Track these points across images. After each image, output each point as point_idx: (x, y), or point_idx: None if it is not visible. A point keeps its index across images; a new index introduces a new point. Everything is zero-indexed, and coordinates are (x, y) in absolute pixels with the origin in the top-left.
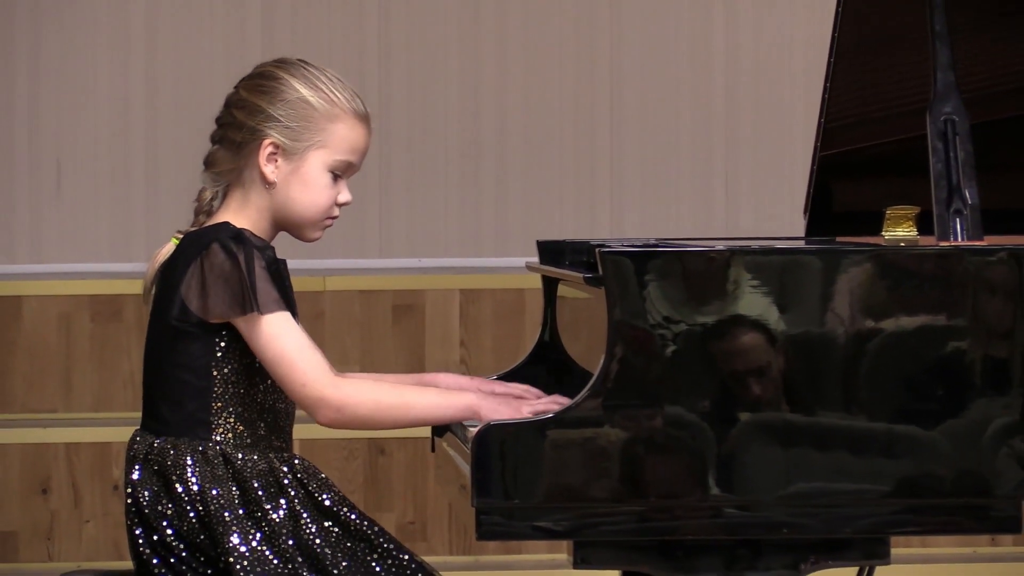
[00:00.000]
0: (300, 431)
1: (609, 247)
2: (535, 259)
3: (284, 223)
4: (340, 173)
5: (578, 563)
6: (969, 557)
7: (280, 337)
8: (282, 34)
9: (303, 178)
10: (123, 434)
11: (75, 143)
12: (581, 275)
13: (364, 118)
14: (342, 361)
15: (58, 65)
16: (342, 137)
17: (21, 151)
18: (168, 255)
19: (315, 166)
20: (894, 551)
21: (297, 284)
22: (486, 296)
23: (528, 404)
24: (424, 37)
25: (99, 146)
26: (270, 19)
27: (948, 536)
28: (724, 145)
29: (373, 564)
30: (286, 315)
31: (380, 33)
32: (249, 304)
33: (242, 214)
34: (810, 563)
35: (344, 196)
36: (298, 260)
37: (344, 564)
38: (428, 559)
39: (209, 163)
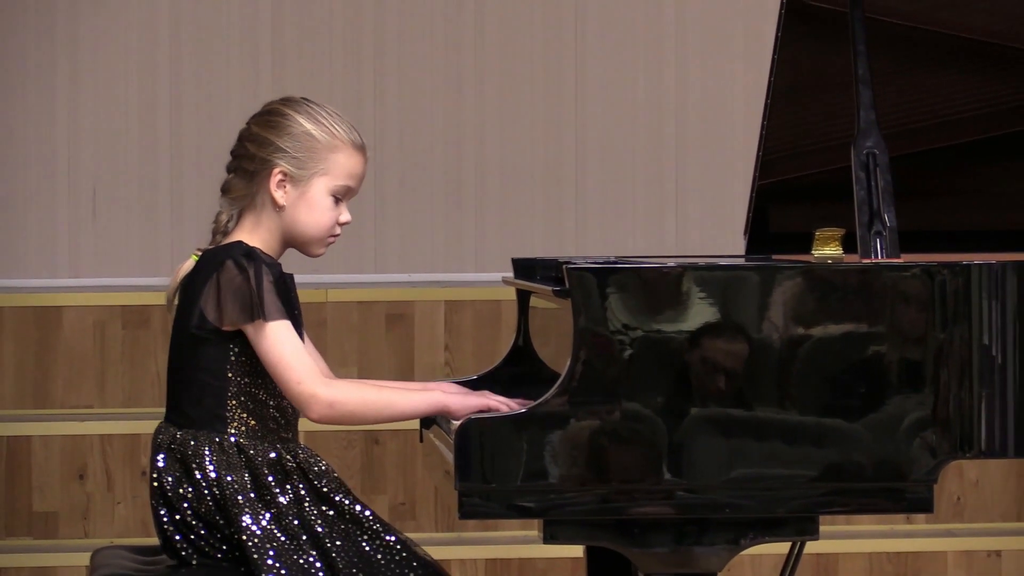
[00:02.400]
0: (305, 423)
1: (574, 264)
2: (510, 274)
3: (292, 241)
4: (341, 197)
5: (547, 539)
6: (887, 533)
7: (280, 342)
8: (290, 78)
9: (309, 202)
10: (150, 427)
11: (109, 173)
12: (551, 288)
13: (361, 148)
14: (341, 363)
15: (93, 105)
16: (342, 165)
17: (62, 180)
18: (189, 270)
19: (319, 191)
20: (822, 528)
21: (303, 296)
22: (467, 307)
23: (490, 400)
24: (413, 81)
25: (130, 176)
26: (280, 66)
27: (869, 515)
28: (674, 175)
29: (363, 544)
30: (287, 323)
31: (375, 77)
32: (257, 312)
33: (255, 234)
34: (749, 539)
35: (344, 216)
36: (304, 275)
37: (339, 543)
38: (416, 536)
39: (226, 190)
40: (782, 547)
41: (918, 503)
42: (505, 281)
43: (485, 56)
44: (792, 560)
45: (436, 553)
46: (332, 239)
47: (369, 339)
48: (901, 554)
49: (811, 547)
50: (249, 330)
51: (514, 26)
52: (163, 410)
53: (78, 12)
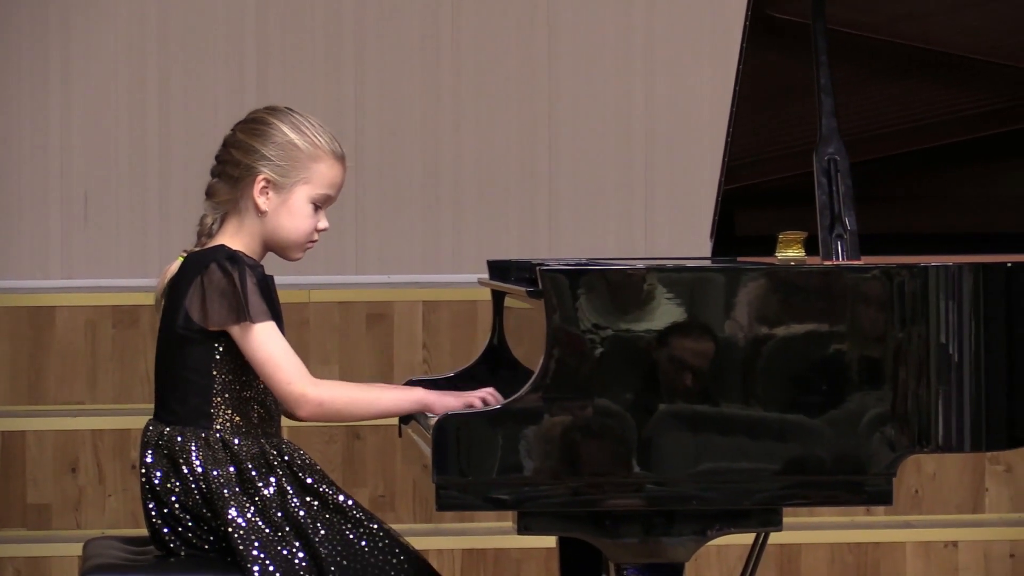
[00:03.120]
0: (288, 419)
1: (547, 266)
2: (486, 276)
3: (272, 245)
4: (320, 204)
5: (522, 530)
6: (848, 525)
7: (268, 343)
8: (274, 87)
9: (290, 208)
10: (140, 422)
11: (100, 178)
12: (524, 289)
13: (341, 158)
14: (324, 361)
15: (84, 113)
16: (323, 174)
17: (54, 186)
18: (175, 272)
19: (300, 198)
20: (785, 520)
21: (285, 296)
22: (444, 307)
23: (473, 398)
24: (392, 90)
25: (120, 181)
26: (264, 76)
27: (830, 507)
28: (643, 180)
29: (347, 533)
30: (273, 324)
31: (356, 86)
32: (243, 314)
33: (237, 238)
34: (715, 530)
35: (323, 223)
36: (287, 276)
37: (323, 533)
38: (396, 526)
39: (210, 194)
40: (747, 538)
41: (878, 495)
42: (481, 282)
43: (461, 65)
44: (756, 551)
45: (415, 543)
46: (310, 245)
47: (350, 338)
48: (861, 544)
49: (775, 538)
50: (235, 331)
51: (489, 36)
52: (152, 406)
53: (69, 24)
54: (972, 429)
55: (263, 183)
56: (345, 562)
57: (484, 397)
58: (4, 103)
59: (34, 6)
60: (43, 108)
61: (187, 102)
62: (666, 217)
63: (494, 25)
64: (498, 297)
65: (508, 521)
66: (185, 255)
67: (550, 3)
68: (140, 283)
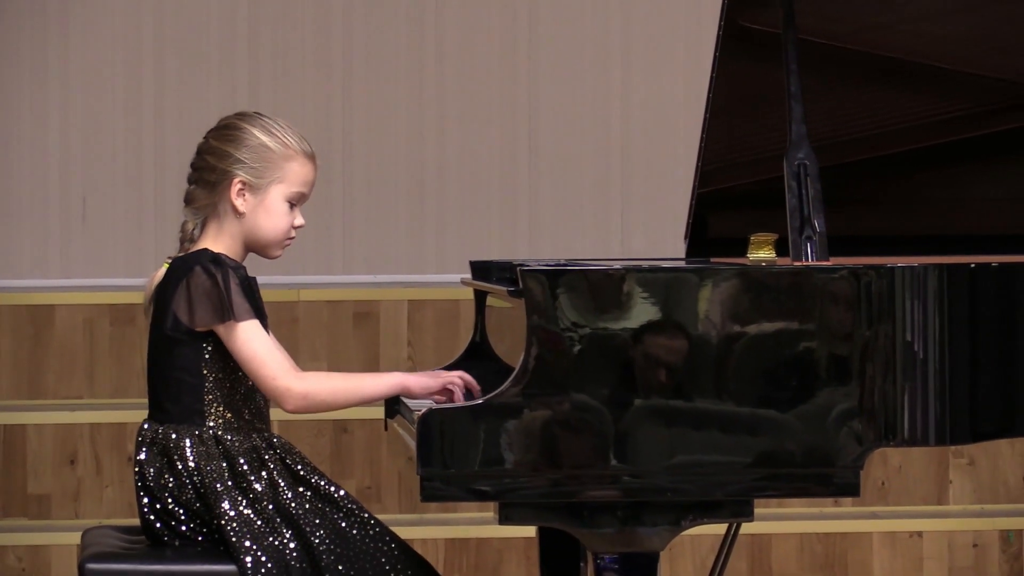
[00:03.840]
0: (278, 413)
1: (527, 266)
2: (468, 276)
3: (252, 245)
4: (295, 202)
5: (503, 520)
6: (817, 516)
7: (252, 340)
8: (265, 95)
9: (267, 208)
10: (137, 416)
11: (98, 183)
12: (506, 289)
13: (311, 157)
14: (313, 358)
15: (82, 121)
16: (296, 173)
17: (54, 189)
18: (161, 277)
19: (276, 198)
20: (756, 511)
21: (276, 295)
22: (429, 305)
23: (446, 380)
24: (379, 98)
25: (117, 185)
26: (255, 83)
27: (800, 499)
28: (620, 184)
29: (339, 521)
30: (256, 323)
31: (344, 92)
32: (227, 313)
33: (218, 240)
34: (689, 520)
35: (299, 220)
36: (278, 276)
37: (316, 522)
38: (381, 517)
39: (189, 200)
40: (719, 528)
41: (845, 487)
42: (463, 282)
43: (445, 74)
44: (728, 540)
45: (400, 533)
46: (288, 242)
47: (338, 335)
48: (830, 535)
49: (746, 528)
50: (220, 330)
51: (472, 46)
52: (147, 400)
53: (68, 34)
54: (937, 424)
55: (239, 186)
56: (338, 549)
57: (460, 375)
58: (5, 111)
59: (34, 15)
60: (43, 115)
61: (181, 109)
62: (641, 219)
63: (476, 35)
64: (480, 296)
65: (490, 512)
66: (170, 261)
67: (530, 13)
68: (136, 282)
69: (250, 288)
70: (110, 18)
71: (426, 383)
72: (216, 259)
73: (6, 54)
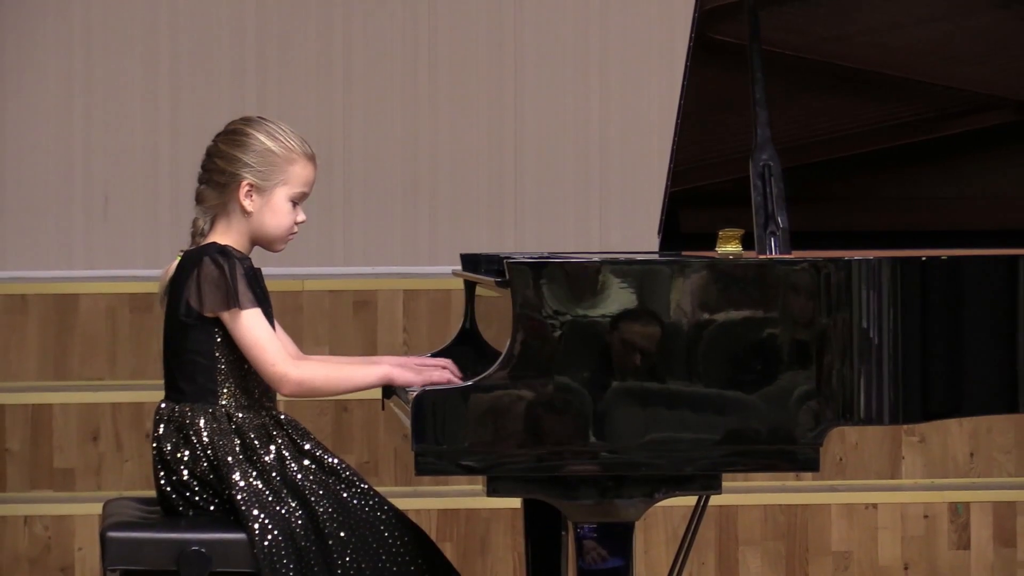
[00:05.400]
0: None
1: (513, 258)
2: (459, 267)
3: (258, 240)
4: (297, 201)
5: (490, 492)
6: (779, 489)
7: (254, 328)
8: (271, 98)
9: (272, 208)
10: (154, 396)
11: (118, 181)
12: (493, 279)
13: (312, 158)
14: (315, 343)
15: (103, 126)
16: (298, 174)
17: (78, 187)
18: (175, 269)
19: (280, 198)
20: (724, 484)
21: (281, 285)
22: (423, 295)
23: (431, 372)
24: (376, 102)
25: (136, 184)
26: (262, 89)
27: (764, 473)
28: (599, 183)
29: (341, 492)
30: (259, 311)
31: (343, 99)
32: (233, 301)
33: (227, 235)
34: (662, 493)
35: (301, 217)
36: (283, 268)
37: (320, 492)
38: (379, 489)
39: (200, 199)
40: (690, 500)
41: (806, 463)
42: (455, 273)
43: (437, 83)
44: (698, 511)
45: (396, 504)
46: (291, 237)
47: (339, 322)
48: (791, 506)
49: (714, 500)
50: (225, 316)
51: (462, 55)
52: (164, 381)
53: (91, 44)
54: (890, 404)
55: (247, 187)
56: (340, 517)
57: (444, 366)
58: (34, 116)
59: (60, 27)
60: (67, 120)
61: (195, 113)
62: (618, 215)
63: (466, 45)
64: (470, 286)
65: (479, 485)
66: (182, 254)
67: (516, 25)
68: (153, 273)
69: (255, 278)
70: (129, 30)
71: (409, 378)
72: (224, 251)
73: (35, 64)
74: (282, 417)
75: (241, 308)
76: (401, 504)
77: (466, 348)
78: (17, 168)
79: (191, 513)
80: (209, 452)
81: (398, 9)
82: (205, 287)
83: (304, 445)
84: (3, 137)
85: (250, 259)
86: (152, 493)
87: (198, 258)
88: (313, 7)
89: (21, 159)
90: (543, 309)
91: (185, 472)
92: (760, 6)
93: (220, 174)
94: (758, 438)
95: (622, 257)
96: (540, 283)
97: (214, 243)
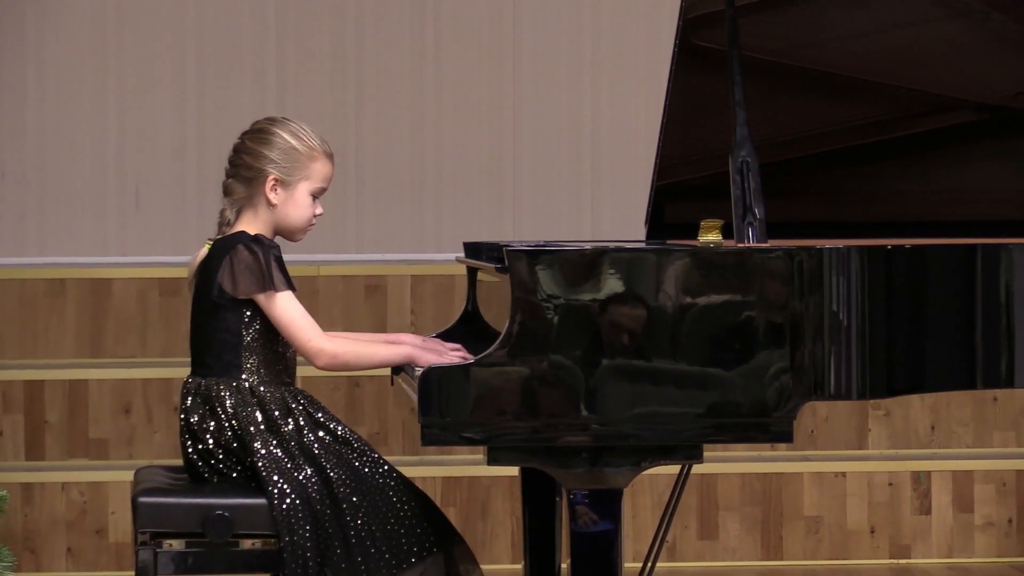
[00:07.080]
0: (301, 371)
1: (512, 246)
2: (462, 254)
3: (280, 231)
4: (317, 195)
5: (491, 461)
6: (756, 458)
7: (289, 308)
8: (290, 96)
9: (295, 201)
10: (182, 373)
11: (149, 173)
12: (493, 265)
13: (331, 156)
14: (330, 323)
15: (135, 122)
16: (319, 171)
17: (112, 180)
18: (203, 255)
19: (302, 192)
20: (705, 454)
21: (299, 271)
22: (429, 280)
23: (447, 353)
24: (386, 102)
25: (165, 177)
26: (281, 89)
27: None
28: (591, 177)
29: (354, 461)
30: (291, 293)
31: (356, 99)
32: (268, 284)
33: (253, 225)
34: (648, 462)
35: (319, 210)
36: (301, 254)
37: (333, 461)
38: (389, 458)
39: (227, 192)
40: (674, 469)
41: (780, 435)
42: (458, 260)
43: (442, 84)
44: (681, 479)
45: (403, 472)
46: (310, 227)
47: (352, 305)
48: (767, 475)
49: (696, 469)
50: (261, 299)
51: (465, 57)
52: (190, 358)
53: (123, 49)
54: (858, 381)
55: (272, 182)
56: (352, 483)
57: (458, 349)
58: (70, 114)
59: (94, 31)
60: (102, 117)
61: (219, 112)
62: (609, 207)
63: (469, 52)
64: (472, 272)
65: (480, 454)
66: (211, 242)
67: (515, 31)
68: (182, 260)
69: (282, 263)
70: (159, 35)
71: (431, 360)
72: (256, 239)
73: (71, 66)
74: (300, 392)
75: (276, 291)
76: (408, 472)
77: (468, 329)
78: (56, 164)
79: (215, 480)
80: (233, 423)
81: (405, 18)
82: (239, 272)
83: (320, 417)
84: (43, 136)
85: (279, 246)
86: (179, 461)
87: (231, 245)
88: (327, 16)
89: (59, 155)
90: (539, 293)
91: (211, 441)
92: (739, 15)
93: (247, 169)
94: (736, 412)
95: (612, 245)
96: (536, 269)
97: (244, 232)
